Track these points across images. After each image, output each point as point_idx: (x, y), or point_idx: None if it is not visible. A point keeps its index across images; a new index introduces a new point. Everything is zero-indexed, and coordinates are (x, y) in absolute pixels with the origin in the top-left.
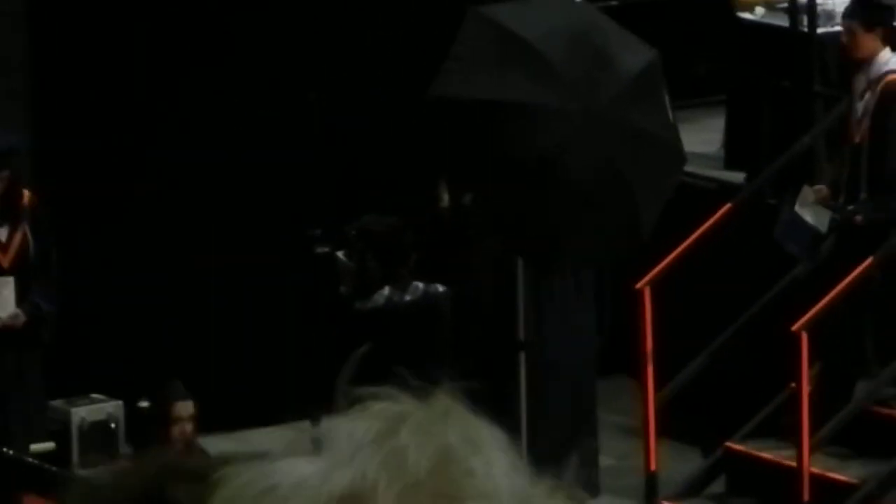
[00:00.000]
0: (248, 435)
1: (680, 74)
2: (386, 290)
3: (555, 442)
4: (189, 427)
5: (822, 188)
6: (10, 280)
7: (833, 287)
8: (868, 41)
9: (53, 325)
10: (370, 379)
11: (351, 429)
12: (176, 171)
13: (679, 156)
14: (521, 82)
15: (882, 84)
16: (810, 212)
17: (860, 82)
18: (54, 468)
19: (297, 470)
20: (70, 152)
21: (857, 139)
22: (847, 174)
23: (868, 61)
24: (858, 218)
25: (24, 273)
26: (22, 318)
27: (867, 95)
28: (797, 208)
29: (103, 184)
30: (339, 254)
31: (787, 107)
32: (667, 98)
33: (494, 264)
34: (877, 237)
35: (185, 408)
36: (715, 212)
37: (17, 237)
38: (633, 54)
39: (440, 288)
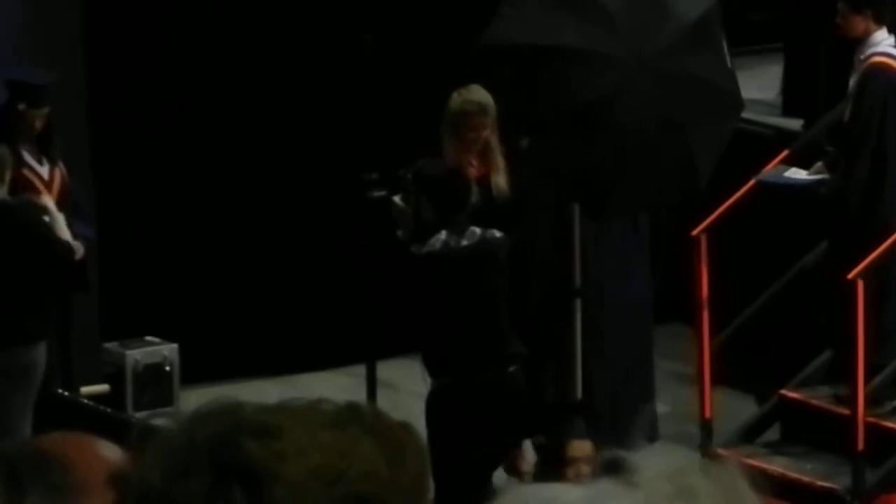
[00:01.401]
0: (300, 379)
1: (737, 22)
2: (442, 235)
3: (612, 388)
4: (585, 469)
5: (818, 165)
6: (61, 217)
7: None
8: (857, 22)
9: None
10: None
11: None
12: (228, 115)
13: (736, 102)
14: (576, 28)
15: (864, 66)
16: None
17: (856, 62)
18: (111, 411)
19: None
20: (119, 97)
21: (845, 118)
22: (834, 153)
23: (860, 42)
24: (823, 190)
25: (68, 211)
26: (82, 251)
27: (854, 76)
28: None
29: (153, 126)
30: (396, 198)
31: (844, 54)
32: (725, 45)
33: (550, 210)
34: None
35: (583, 448)
36: (772, 158)
37: (58, 174)
38: (691, 2)
39: (497, 234)
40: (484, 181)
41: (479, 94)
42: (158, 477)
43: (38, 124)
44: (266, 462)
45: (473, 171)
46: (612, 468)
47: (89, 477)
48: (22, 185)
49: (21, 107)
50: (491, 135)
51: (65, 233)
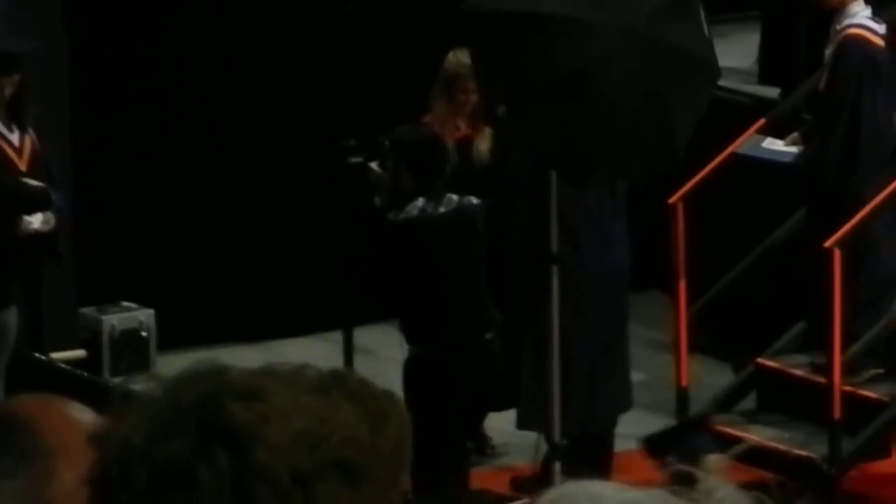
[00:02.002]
0: (277, 345)
1: None
2: (420, 202)
3: (591, 355)
4: None
5: (794, 136)
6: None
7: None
8: None
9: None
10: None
11: None
12: (206, 81)
13: (713, 71)
14: None
15: (840, 37)
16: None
17: (832, 32)
18: (88, 375)
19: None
20: (97, 65)
21: (820, 87)
22: (810, 122)
23: (837, 12)
24: (799, 161)
25: (40, 178)
26: (53, 221)
27: (830, 47)
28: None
29: (130, 94)
30: (373, 164)
31: (822, 22)
32: (702, 13)
33: (528, 177)
34: None
35: (717, 462)
36: (749, 127)
37: (28, 141)
38: None
39: (474, 200)
40: (466, 144)
41: (464, 55)
42: (141, 437)
43: (9, 91)
44: (250, 424)
45: (458, 133)
46: (681, 480)
47: (59, 440)
48: None
49: None
50: (478, 98)
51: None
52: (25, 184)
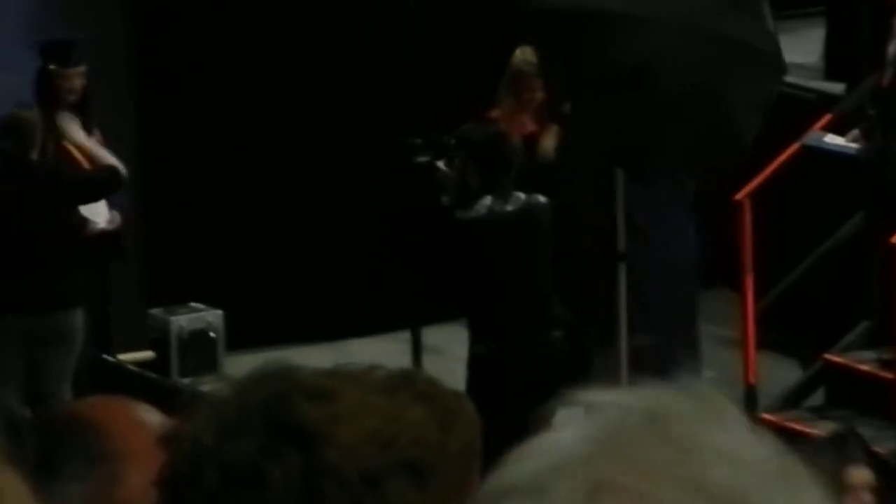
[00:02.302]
0: (345, 345)
1: None
2: (487, 200)
3: (657, 353)
4: (867, 498)
5: (854, 132)
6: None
7: None
8: None
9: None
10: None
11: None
12: (274, 80)
13: (778, 66)
14: None
15: None
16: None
17: (895, 27)
18: (156, 376)
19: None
20: (162, 64)
21: (884, 83)
22: (874, 118)
23: None
24: (862, 157)
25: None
26: (118, 220)
27: (893, 43)
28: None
29: (197, 93)
30: (440, 163)
31: (886, 17)
32: (766, 8)
33: (593, 174)
34: None
35: (861, 475)
36: (815, 122)
37: (94, 141)
38: None
39: (541, 198)
40: (532, 141)
41: (531, 54)
42: (211, 436)
43: (74, 85)
44: (320, 424)
45: (525, 130)
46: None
47: (127, 443)
48: (63, 156)
49: (52, 67)
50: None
51: (101, 206)
52: (89, 175)
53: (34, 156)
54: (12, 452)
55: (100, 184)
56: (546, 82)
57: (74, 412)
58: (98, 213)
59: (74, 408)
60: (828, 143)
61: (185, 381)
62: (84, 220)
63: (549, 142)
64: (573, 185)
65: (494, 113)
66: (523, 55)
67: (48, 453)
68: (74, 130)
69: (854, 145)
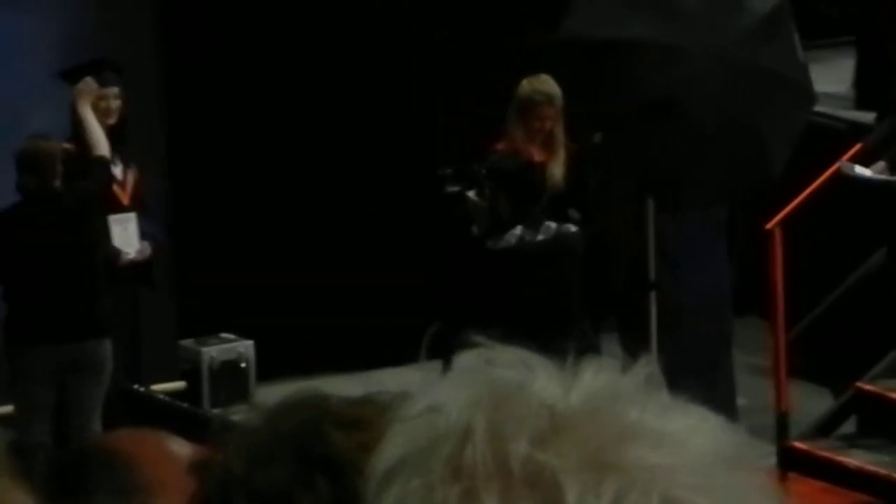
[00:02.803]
0: (375, 375)
1: (810, 15)
2: (518, 230)
3: (689, 379)
4: None
5: (880, 164)
6: (133, 216)
7: None
8: None
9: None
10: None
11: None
12: (304, 112)
13: (808, 95)
14: (649, 21)
15: None
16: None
17: None
18: (188, 406)
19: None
20: (193, 95)
21: None
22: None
23: None
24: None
25: (141, 209)
26: (148, 251)
27: None
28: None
29: (228, 123)
30: (470, 193)
31: None
32: (796, 38)
33: (625, 204)
34: None
35: None
36: (846, 152)
37: (130, 174)
38: None
39: (572, 228)
40: (541, 169)
41: (547, 84)
42: (241, 464)
43: (109, 106)
44: (350, 453)
45: (533, 158)
46: None
47: (157, 475)
48: None
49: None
50: (556, 125)
51: (134, 237)
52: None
53: (57, 184)
54: (29, 481)
55: (101, 184)
56: (571, 111)
57: (104, 444)
58: (129, 244)
59: (104, 439)
60: (858, 172)
61: (217, 411)
62: (116, 251)
63: (557, 170)
64: (605, 214)
65: (500, 144)
66: (531, 85)
67: (78, 485)
68: (86, 106)
69: (881, 177)
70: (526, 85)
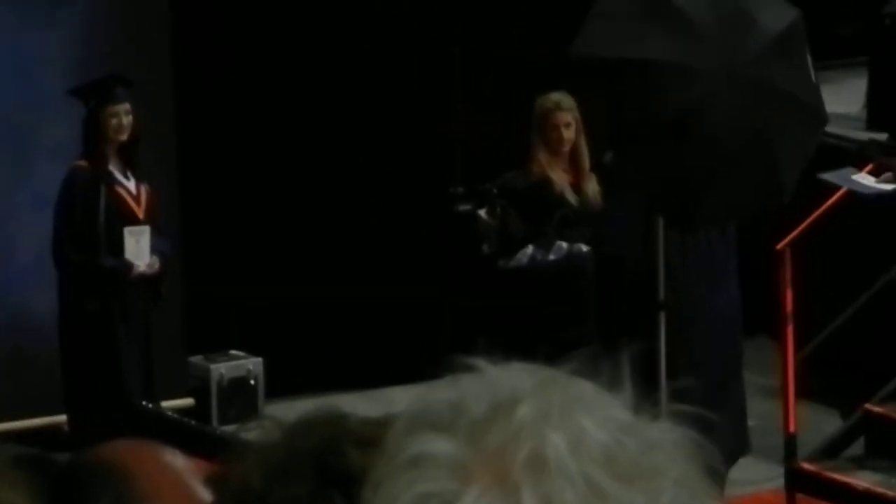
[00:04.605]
0: (384, 393)
1: (822, 35)
2: (529, 249)
3: (699, 400)
4: None
5: (888, 174)
6: (147, 229)
7: None
8: None
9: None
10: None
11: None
12: (315, 128)
13: (820, 116)
14: (663, 40)
15: None
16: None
17: None
18: (197, 424)
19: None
20: (203, 112)
21: None
22: None
23: None
24: None
25: (157, 226)
26: (157, 265)
27: None
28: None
29: (238, 139)
30: (481, 212)
31: None
32: (809, 58)
33: (638, 222)
34: None
35: None
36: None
37: (143, 189)
38: (776, 14)
39: (584, 247)
40: (575, 188)
41: (556, 94)
42: (259, 479)
43: (121, 123)
44: (368, 472)
45: (565, 177)
46: None
47: (154, 486)
48: (117, 203)
49: (90, 105)
50: (579, 139)
51: (146, 250)
52: None
53: None
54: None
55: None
56: (589, 130)
57: (100, 455)
58: (140, 257)
59: (100, 452)
60: (850, 181)
61: (226, 428)
62: (129, 264)
63: (592, 188)
64: (616, 234)
65: (532, 164)
66: (541, 98)
67: (75, 497)
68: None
69: (887, 186)
70: (538, 100)
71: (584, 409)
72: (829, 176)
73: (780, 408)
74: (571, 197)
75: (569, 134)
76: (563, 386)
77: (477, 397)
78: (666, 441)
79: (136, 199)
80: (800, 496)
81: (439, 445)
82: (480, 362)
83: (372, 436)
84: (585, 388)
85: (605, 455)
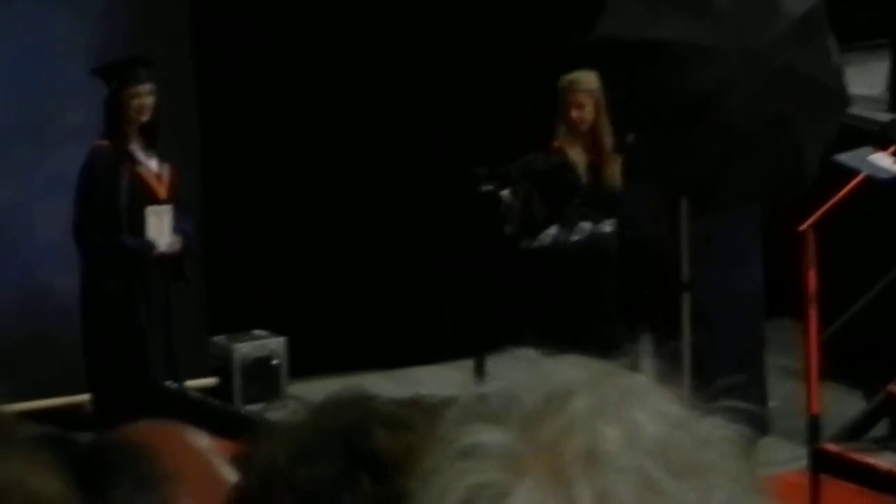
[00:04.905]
0: (408, 373)
1: (844, 18)
2: (552, 230)
3: (722, 382)
4: None
5: None
6: (169, 208)
7: None
8: None
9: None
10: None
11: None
12: (338, 110)
13: (842, 99)
14: (684, 22)
15: None
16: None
17: None
18: (220, 403)
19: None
20: (227, 92)
21: None
22: None
23: None
24: None
25: (177, 203)
26: (178, 245)
27: None
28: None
29: (261, 120)
30: (504, 193)
31: None
32: (831, 41)
33: (659, 204)
34: None
35: None
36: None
37: (166, 168)
38: None
39: (607, 228)
40: (596, 168)
41: (575, 74)
42: (285, 459)
43: (143, 104)
44: (396, 453)
45: (585, 157)
46: None
47: (178, 466)
48: (139, 182)
49: (112, 85)
50: (600, 121)
51: (167, 229)
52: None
53: None
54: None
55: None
56: (612, 112)
57: (124, 436)
58: (161, 235)
59: (123, 432)
60: (865, 162)
61: (249, 408)
62: (150, 244)
63: (614, 169)
64: (639, 215)
65: (556, 143)
66: (562, 78)
67: (101, 477)
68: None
69: None
70: (560, 81)
71: (637, 402)
72: (844, 158)
73: (803, 389)
74: (589, 177)
75: (583, 114)
76: (616, 379)
77: (530, 389)
78: (718, 437)
79: (158, 178)
80: (823, 477)
81: (492, 436)
82: (532, 353)
83: (399, 417)
84: (639, 382)
85: (659, 449)
